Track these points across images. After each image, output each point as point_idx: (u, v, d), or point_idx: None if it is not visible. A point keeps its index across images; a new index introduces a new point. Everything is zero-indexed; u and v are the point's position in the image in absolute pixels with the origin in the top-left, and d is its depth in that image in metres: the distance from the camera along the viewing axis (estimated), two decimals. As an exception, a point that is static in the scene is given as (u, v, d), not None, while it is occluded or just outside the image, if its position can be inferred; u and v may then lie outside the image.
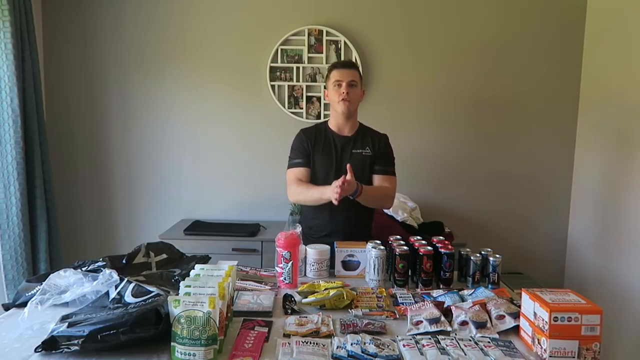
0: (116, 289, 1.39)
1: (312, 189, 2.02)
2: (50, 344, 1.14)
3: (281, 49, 3.02)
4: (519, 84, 3.07)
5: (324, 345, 1.20)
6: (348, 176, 1.86)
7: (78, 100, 3.08)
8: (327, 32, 3.01)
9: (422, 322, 1.34)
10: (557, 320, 1.14)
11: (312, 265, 1.78)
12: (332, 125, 2.16)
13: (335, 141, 2.12)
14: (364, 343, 1.20)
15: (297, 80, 3.04)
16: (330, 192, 1.86)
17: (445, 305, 1.43)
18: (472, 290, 1.56)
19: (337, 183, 1.83)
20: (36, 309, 1.32)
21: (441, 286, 1.68)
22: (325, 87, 2.21)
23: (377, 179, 2.10)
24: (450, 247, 1.72)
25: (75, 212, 3.14)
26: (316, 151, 2.10)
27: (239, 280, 1.67)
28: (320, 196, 1.96)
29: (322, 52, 3.02)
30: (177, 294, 1.23)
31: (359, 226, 2.12)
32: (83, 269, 1.55)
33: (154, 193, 3.14)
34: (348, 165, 1.91)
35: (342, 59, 3.01)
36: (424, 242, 1.77)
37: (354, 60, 3.01)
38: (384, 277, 1.71)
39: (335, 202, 1.84)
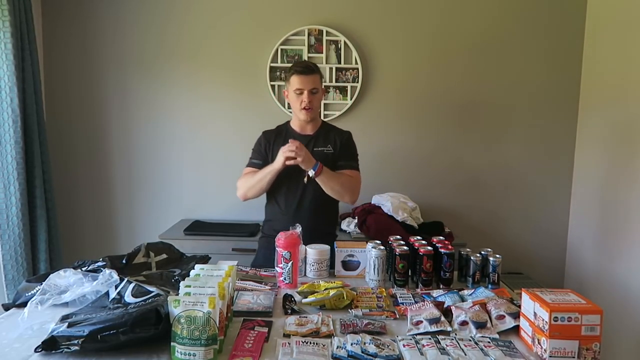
0: (116, 289, 1.39)
1: (258, 172, 2.06)
2: (50, 344, 1.14)
3: (281, 49, 3.02)
4: (519, 84, 3.07)
5: (324, 345, 1.20)
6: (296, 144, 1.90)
7: (78, 100, 3.08)
8: (327, 32, 3.01)
9: (422, 322, 1.34)
10: (557, 320, 1.14)
11: (312, 265, 1.78)
12: (295, 125, 2.17)
13: (297, 140, 2.11)
14: (364, 343, 1.20)
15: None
16: (278, 155, 1.93)
17: (445, 305, 1.43)
18: (472, 290, 1.56)
19: (284, 147, 1.91)
20: (36, 309, 1.32)
21: (441, 286, 1.68)
22: (285, 87, 2.17)
23: None
24: (450, 247, 1.71)
25: (75, 212, 3.14)
26: (275, 152, 2.07)
27: (239, 280, 1.67)
28: (269, 169, 1.99)
29: (322, 52, 3.02)
30: (177, 294, 1.23)
31: (324, 222, 2.16)
32: (83, 269, 1.55)
33: (154, 193, 3.14)
34: (291, 140, 1.92)
35: (342, 59, 3.02)
36: (424, 242, 1.77)
37: (353, 60, 3.02)
38: (384, 277, 1.71)
39: (282, 157, 1.90)
